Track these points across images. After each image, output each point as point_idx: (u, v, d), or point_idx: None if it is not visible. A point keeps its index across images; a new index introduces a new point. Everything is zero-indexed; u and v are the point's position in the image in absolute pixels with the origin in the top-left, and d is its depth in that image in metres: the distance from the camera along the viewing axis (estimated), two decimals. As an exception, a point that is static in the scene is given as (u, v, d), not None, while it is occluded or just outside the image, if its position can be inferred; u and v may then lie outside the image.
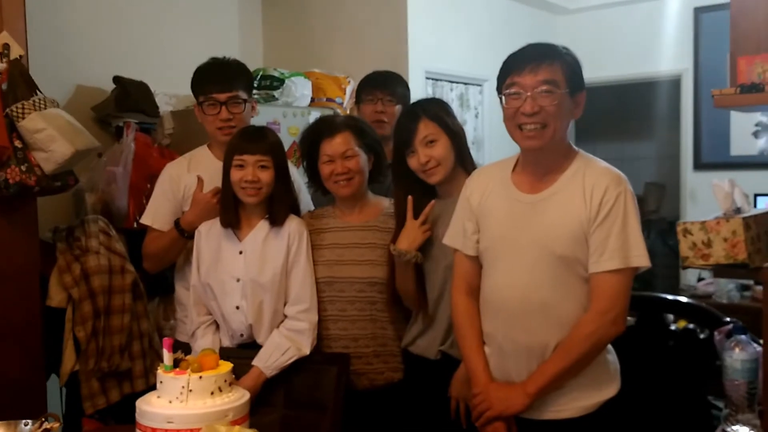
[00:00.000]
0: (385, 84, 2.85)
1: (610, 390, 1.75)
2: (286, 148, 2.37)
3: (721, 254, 1.73)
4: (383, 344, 2.19)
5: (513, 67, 1.76)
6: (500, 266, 1.80)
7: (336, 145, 2.19)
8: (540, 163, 1.79)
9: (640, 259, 1.68)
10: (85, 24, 3.53)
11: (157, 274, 2.69)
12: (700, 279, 4.58)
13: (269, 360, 2.10)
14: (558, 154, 1.78)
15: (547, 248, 1.72)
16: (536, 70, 1.71)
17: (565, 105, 1.73)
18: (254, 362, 2.10)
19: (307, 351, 2.13)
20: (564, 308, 1.72)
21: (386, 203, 2.29)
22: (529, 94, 1.71)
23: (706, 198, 4.77)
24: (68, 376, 2.59)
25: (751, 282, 4.19)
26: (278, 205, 2.20)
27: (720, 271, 1.80)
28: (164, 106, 3.68)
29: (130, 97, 3.43)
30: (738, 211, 1.79)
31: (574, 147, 1.82)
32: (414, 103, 2.26)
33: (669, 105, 5.24)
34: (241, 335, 2.20)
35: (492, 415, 1.75)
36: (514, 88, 1.74)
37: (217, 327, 2.25)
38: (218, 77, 2.46)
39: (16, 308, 2.41)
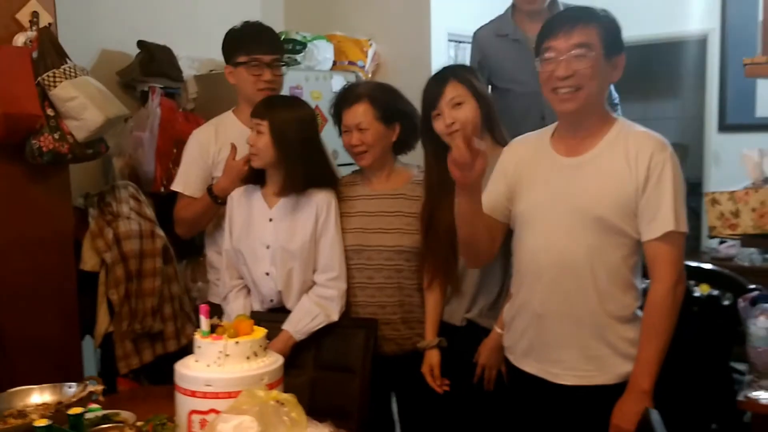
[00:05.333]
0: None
1: None
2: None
3: (749, 224, 1.74)
4: (410, 311, 2.23)
5: (548, 32, 1.78)
6: (537, 230, 1.81)
7: (351, 116, 2.20)
8: (578, 126, 1.80)
9: (685, 224, 1.71)
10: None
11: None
12: (722, 241, 4.57)
13: (299, 325, 2.16)
14: (596, 118, 1.79)
15: (586, 211, 1.73)
16: (569, 34, 1.73)
17: (601, 68, 1.73)
18: (284, 326, 2.16)
19: (335, 317, 2.17)
20: (601, 273, 1.73)
21: (415, 171, 2.31)
22: (562, 57, 1.72)
23: (730, 160, 4.72)
24: (102, 337, 2.67)
25: (774, 245, 4.20)
26: (283, 175, 2.18)
27: (747, 241, 1.82)
28: (187, 70, 3.69)
29: (155, 62, 3.43)
30: (767, 180, 1.79)
31: (613, 113, 1.84)
32: (443, 67, 2.25)
33: (694, 65, 5.16)
34: (271, 300, 2.25)
35: None
36: (548, 52, 1.75)
37: (249, 291, 2.30)
38: (263, 38, 2.47)
39: (53, 272, 2.48)
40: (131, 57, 3.51)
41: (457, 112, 2.07)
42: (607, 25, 1.76)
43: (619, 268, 1.74)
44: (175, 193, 2.59)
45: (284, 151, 2.16)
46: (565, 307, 1.76)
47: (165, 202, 3.05)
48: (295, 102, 2.31)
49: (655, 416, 1.40)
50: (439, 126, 2.10)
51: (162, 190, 3.17)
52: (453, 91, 2.08)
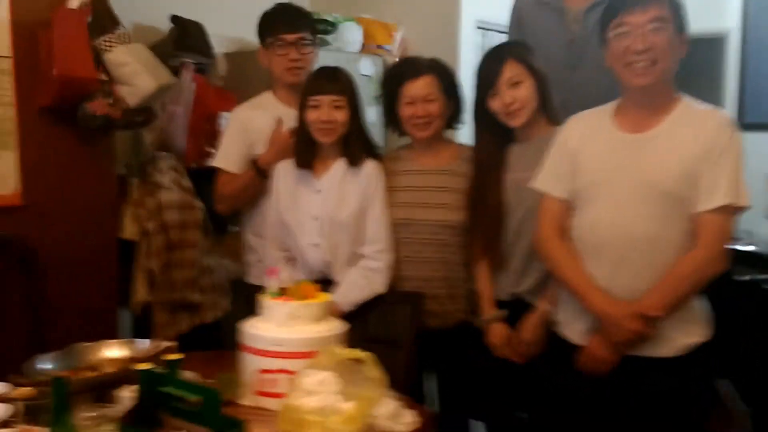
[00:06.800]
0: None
1: (702, 334, 1.81)
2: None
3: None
4: (455, 285, 2.25)
5: (621, 6, 1.80)
6: (601, 205, 1.83)
7: (418, 87, 2.22)
8: (647, 102, 1.83)
9: (746, 198, 1.74)
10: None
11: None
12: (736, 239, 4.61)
13: (347, 296, 2.17)
14: (665, 94, 1.82)
15: (654, 185, 1.76)
16: (646, 8, 1.76)
17: (674, 42, 1.77)
18: (333, 297, 2.17)
19: (382, 289, 2.20)
20: (669, 245, 1.76)
21: (463, 147, 2.33)
22: (639, 31, 1.75)
23: (747, 158, 4.78)
24: (140, 306, 2.68)
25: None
26: (354, 145, 2.24)
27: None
28: (217, 47, 3.70)
29: (189, 37, 3.43)
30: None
31: (678, 91, 1.87)
32: (499, 44, 2.26)
33: (710, 66, 5.20)
34: (319, 271, 2.27)
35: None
36: (623, 27, 1.78)
37: (294, 262, 2.32)
38: (287, 19, 2.50)
39: (95, 239, 2.49)
40: (162, 32, 3.51)
41: (516, 92, 2.09)
42: (675, 1, 1.80)
43: (683, 242, 1.77)
44: (207, 169, 2.60)
45: (359, 122, 2.24)
46: (631, 282, 1.79)
47: (196, 177, 3.07)
48: (343, 71, 2.33)
49: (728, 386, 1.43)
50: (496, 104, 2.12)
51: (193, 165, 3.18)
52: (511, 70, 2.10)
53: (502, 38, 4.14)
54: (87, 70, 2.22)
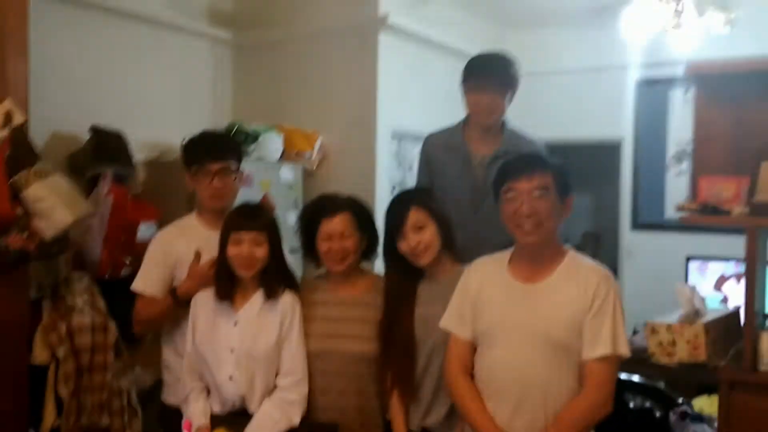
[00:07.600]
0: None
1: None
2: (258, 200, 2.44)
3: (684, 353, 1.97)
4: (369, 416, 2.32)
5: (510, 174, 2.01)
6: (498, 349, 1.98)
7: (335, 224, 2.33)
8: (535, 256, 2.01)
9: (625, 348, 1.93)
10: (62, 71, 3.54)
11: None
12: (635, 332, 4.88)
13: (262, 429, 2.20)
14: (551, 249, 2.02)
15: (543, 333, 1.93)
16: (531, 177, 1.97)
17: (556, 207, 1.98)
18: (247, 430, 2.20)
19: (297, 421, 2.24)
20: (561, 389, 1.92)
21: (378, 279, 2.44)
22: (526, 197, 1.95)
23: (641, 255, 5.14)
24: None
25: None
26: (272, 280, 2.32)
27: (681, 370, 2.04)
28: (137, 154, 3.74)
29: (108, 148, 3.47)
30: (696, 313, 2.04)
31: (565, 246, 2.07)
32: (403, 192, 2.43)
33: (609, 168, 5.59)
34: (233, 404, 2.29)
35: None
36: (512, 192, 1.98)
37: (209, 392, 2.34)
38: (211, 148, 2.57)
39: (4, 367, 2.44)
40: (82, 140, 3.52)
41: (420, 235, 2.25)
42: (560, 171, 2.02)
43: (575, 386, 1.93)
44: (123, 280, 2.61)
45: (278, 256, 2.32)
46: (529, 422, 1.93)
47: (111, 289, 3.07)
48: (265, 207, 2.43)
49: None
50: (403, 247, 2.27)
51: (107, 276, 3.18)
52: (415, 215, 2.27)
53: (416, 146, 4.39)
54: (2, 208, 2.23)
